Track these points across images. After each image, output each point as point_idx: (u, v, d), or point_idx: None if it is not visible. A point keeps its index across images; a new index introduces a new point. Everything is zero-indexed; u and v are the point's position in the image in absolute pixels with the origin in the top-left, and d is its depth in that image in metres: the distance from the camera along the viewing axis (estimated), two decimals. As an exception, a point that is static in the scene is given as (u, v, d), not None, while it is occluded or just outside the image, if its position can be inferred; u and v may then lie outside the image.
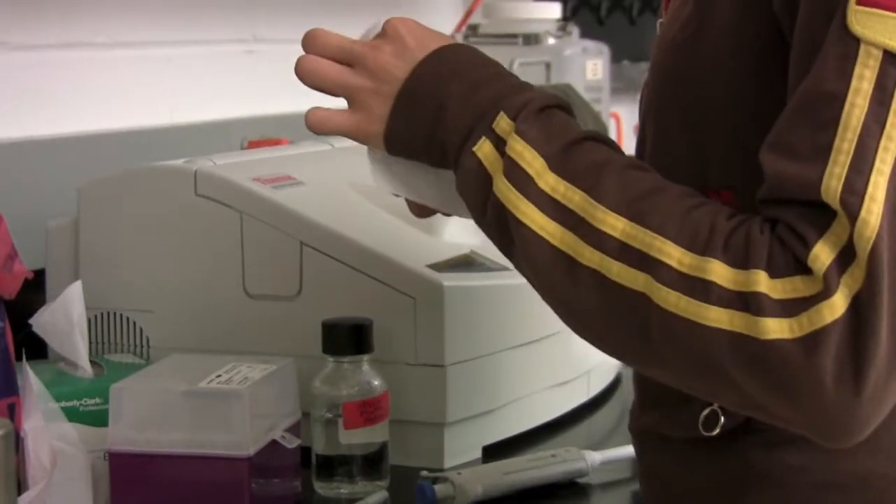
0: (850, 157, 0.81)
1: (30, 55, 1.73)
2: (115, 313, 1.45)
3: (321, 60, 1.04)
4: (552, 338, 1.44)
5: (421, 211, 1.11)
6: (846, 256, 0.81)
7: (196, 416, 1.17)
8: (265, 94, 2.07)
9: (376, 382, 1.26)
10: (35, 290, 1.35)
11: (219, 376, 1.20)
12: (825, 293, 0.81)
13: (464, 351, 1.34)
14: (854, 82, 0.82)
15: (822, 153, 0.82)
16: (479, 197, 0.94)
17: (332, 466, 1.26)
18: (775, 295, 0.82)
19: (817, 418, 0.84)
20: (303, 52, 1.08)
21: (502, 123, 0.93)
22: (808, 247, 0.82)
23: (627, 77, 2.66)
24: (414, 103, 0.98)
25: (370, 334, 1.27)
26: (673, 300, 0.84)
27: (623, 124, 2.47)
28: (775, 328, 0.82)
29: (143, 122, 1.87)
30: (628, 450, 1.36)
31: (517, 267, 0.96)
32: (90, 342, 1.34)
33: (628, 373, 1.65)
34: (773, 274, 0.82)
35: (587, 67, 2.31)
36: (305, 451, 1.27)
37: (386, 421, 1.27)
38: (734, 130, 0.92)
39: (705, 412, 0.97)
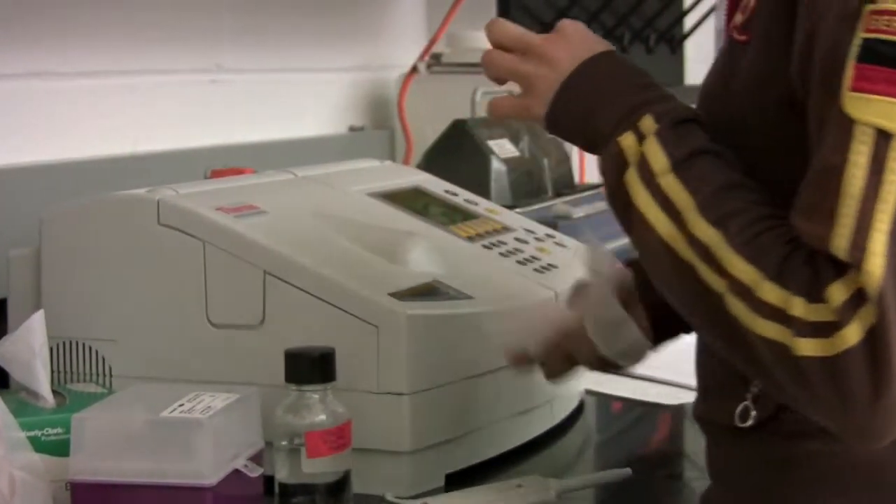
0: (853, 219, 0.99)
1: (-8, 85, 1.73)
2: (77, 342, 1.44)
3: (501, 53, 1.21)
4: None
5: (517, 362, 1.37)
6: (859, 297, 0.98)
7: (158, 445, 1.17)
8: (229, 124, 2.08)
9: (339, 411, 1.26)
10: (-3, 320, 1.35)
11: (181, 405, 1.20)
12: (840, 324, 0.98)
13: (426, 379, 1.34)
14: (851, 157, 0.99)
15: (831, 216, 0.99)
16: (614, 180, 1.11)
17: (295, 495, 1.26)
18: (809, 318, 0.99)
19: (845, 427, 1.02)
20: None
21: (647, 123, 1.10)
22: (828, 284, 0.99)
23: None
24: (576, 93, 1.15)
25: (333, 363, 1.27)
26: (736, 308, 1.02)
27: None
28: (807, 347, 0.99)
29: (107, 151, 1.87)
30: (592, 477, 1.37)
31: (634, 245, 1.12)
32: (52, 371, 1.34)
33: (591, 400, 1.66)
34: (810, 300, 0.99)
35: (550, 96, 2.32)
36: (269, 480, 1.27)
37: (349, 449, 1.27)
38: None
39: (739, 407, 1.13)
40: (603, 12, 2.89)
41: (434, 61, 2.33)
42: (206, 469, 1.16)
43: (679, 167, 1.08)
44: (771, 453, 1.14)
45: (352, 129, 2.34)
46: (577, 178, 2.23)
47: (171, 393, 1.23)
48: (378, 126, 2.38)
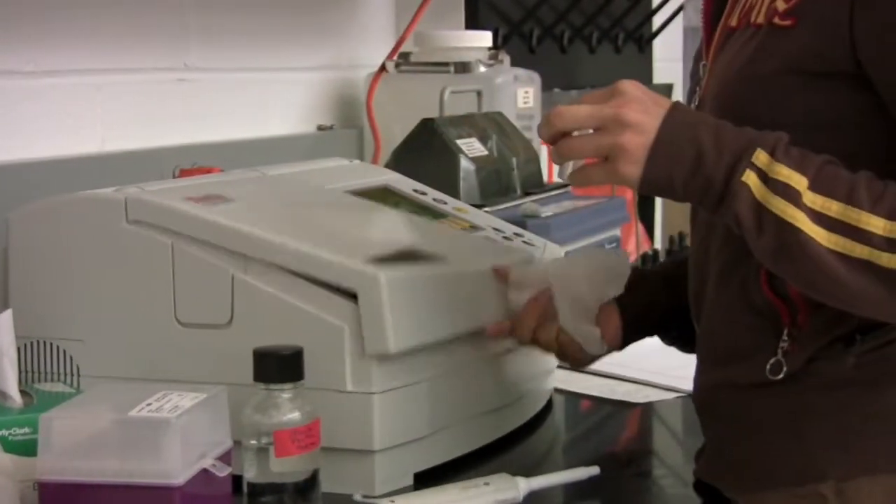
0: None
1: (-42, 84, 1.72)
2: (45, 342, 1.44)
3: (572, 139, 1.25)
4: (483, 364, 1.45)
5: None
6: None
7: (126, 444, 1.17)
8: (196, 123, 2.07)
9: (308, 410, 1.27)
10: (-37, 320, 1.34)
11: (149, 405, 1.20)
12: None
13: (394, 378, 1.34)
14: None
15: None
16: (751, 216, 1.18)
17: (263, 494, 1.26)
18: None
19: None
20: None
21: (761, 157, 1.18)
22: None
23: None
24: (673, 148, 1.20)
25: (301, 362, 1.27)
26: None
27: (554, 152, 2.48)
28: None
29: (74, 150, 1.87)
30: (560, 476, 1.37)
31: (784, 266, 1.19)
32: (20, 371, 1.33)
33: (560, 399, 1.67)
34: None
35: (518, 95, 2.33)
36: (237, 480, 1.27)
37: (317, 448, 1.27)
38: None
39: (770, 362, 1.25)
40: (571, 11, 2.89)
41: (402, 60, 2.33)
42: (174, 468, 1.16)
43: (816, 181, 1.17)
44: (800, 405, 1.24)
45: (320, 128, 2.34)
46: (545, 178, 2.23)
47: (139, 392, 1.23)
48: (346, 125, 2.38)
